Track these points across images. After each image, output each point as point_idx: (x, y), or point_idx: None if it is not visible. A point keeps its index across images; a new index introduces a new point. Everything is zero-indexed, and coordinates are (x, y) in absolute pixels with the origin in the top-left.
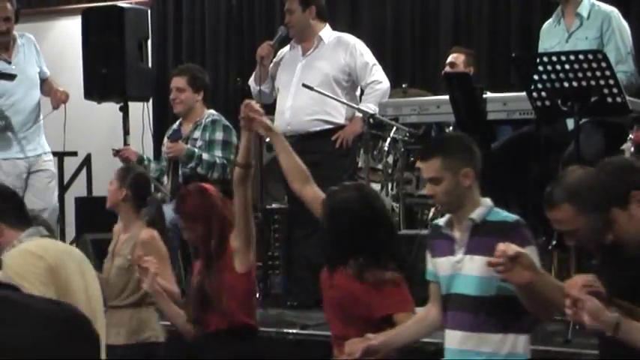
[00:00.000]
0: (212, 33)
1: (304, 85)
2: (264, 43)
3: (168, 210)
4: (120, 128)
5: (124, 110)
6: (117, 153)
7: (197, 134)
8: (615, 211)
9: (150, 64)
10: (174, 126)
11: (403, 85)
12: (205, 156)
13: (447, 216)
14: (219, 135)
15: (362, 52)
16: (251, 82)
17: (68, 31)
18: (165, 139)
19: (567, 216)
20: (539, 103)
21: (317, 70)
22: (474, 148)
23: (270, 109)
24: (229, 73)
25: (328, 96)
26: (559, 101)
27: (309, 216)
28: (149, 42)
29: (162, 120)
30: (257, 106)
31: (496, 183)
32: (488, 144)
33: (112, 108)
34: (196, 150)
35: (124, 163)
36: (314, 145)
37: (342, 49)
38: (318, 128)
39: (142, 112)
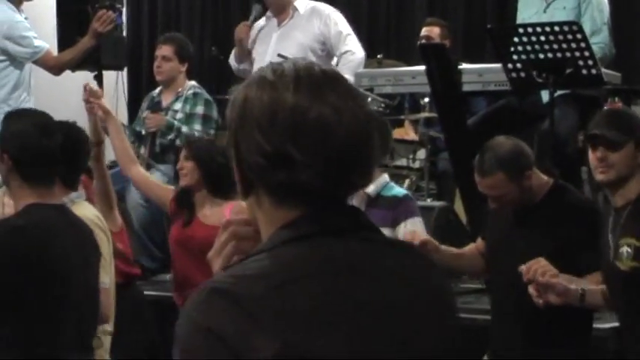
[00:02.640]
0: (187, 1)
1: (279, 56)
2: (241, 24)
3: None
4: None
5: (99, 79)
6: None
7: (178, 106)
8: (528, 174)
9: (124, 33)
10: (155, 95)
11: (378, 56)
12: (184, 129)
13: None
14: (199, 109)
15: (337, 21)
16: (231, 60)
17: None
18: (143, 107)
19: (500, 183)
20: (514, 75)
21: (292, 39)
22: None
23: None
24: (204, 42)
25: None
26: (534, 73)
27: None
28: (124, 11)
29: (137, 89)
30: (96, 89)
31: (471, 156)
32: (463, 115)
33: (86, 77)
34: (176, 122)
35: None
36: None
37: (316, 19)
38: None
39: (115, 81)
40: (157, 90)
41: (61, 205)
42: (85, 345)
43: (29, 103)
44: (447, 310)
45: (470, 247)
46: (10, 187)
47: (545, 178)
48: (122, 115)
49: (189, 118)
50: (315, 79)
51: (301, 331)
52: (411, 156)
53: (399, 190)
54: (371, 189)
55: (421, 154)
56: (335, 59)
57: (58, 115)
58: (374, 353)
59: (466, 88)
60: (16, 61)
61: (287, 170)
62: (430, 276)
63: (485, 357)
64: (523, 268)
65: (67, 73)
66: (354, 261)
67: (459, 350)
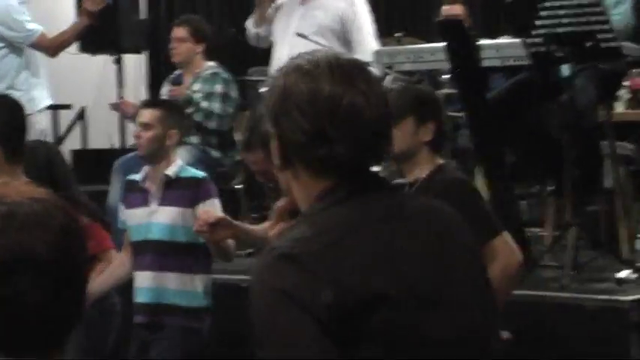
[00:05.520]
0: None
1: (299, 34)
2: None
3: None
4: (113, 80)
5: (118, 62)
6: (115, 107)
7: (197, 86)
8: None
9: (144, 16)
10: (175, 75)
11: (397, 34)
12: (204, 104)
13: (143, 170)
14: (218, 87)
15: (360, 11)
16: (248, 23)
17: None
18: (164, 86)
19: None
20: (533, 49)
21: (313, 19)
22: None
23: (266, 54)
24: (223, 23)
25: (323, 46)
26: (554, 47)
27: None
28: None
29: (157, 72)
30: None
31: (492, 132)
32: (483, 91)
33: (105, 60)
34: (195, 96)
35: (123, 116)
36: None
37: (341, 1)
38: None
39: (135, 64)
40: (178, 72)
41: None
42: None
43: (40, 87)
44: (471, 240)
45: (265, 226)
46: None
47: None
48: (142, 99)
49: (208, 97)
50: (347, 69)
51: (356, 276)
52: None
53: (197, 172)
54: (171, 170)
55: None
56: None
57: (77, 98)
58: (424, 284)
59: (485, 63)
60: (14, 46)
61: (325, 146)
62: (452, 214)
63: None
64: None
65: (87, 57)
66: (389, 211)
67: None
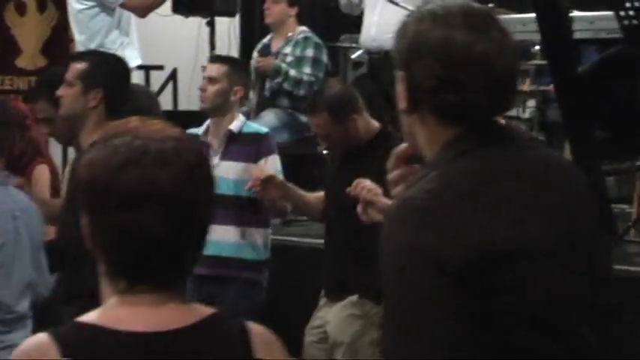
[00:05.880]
0: None
1: (389, 1)
2: None
3: None
4: (206, 42)
5: (211, 25)
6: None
7: (288, 50)
8: (353, 117)
9: None
10: (265, 40)
11: (489, 5)
12: (292, 72)
13: (206, 124)
14: (309, 52)
15: None
16: None
17: None
18: (255, 53)
19: (325, 122)
20: (626, 22)
21: None
22: None
23: (356, 23)
24: None
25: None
26: None
27: None
28: None
29: (249, 35)
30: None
31: (582, 106)
32: (574, 64)
33: (199, 23)
34: (283, 66)
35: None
36: None
37: None
38: None
39: (228, 27)
40: (268, 36)
41: None
42: None
43: (130, 47)
44: (591, 196)
45: (316, 195)
46: None
47: (375, 124)
48: None
49: (298, 61)
50: (481, 18)
51: (488, 229)
52: (520, 106)
53: (260, 128)
54: (234, 125)
55: (531, 103)
56: None
57: (169, 60)
58: (549, 240)
59: (577, 36)
60: (105, 6)
61: (455, 93)
62: (573, 169)
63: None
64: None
65: (180, 19)
66: (516, 165)
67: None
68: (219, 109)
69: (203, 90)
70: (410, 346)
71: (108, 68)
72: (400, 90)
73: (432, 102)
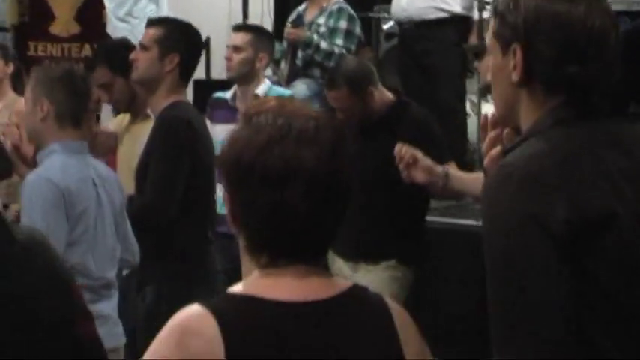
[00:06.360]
0: None
1: None
2: None
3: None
4: (239, 11)
5: None
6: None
7: (321, 20)
8: (370, 90)
9: None
10: (300, 9)
11: None
12: (324, 45)
13: (233, 89)
14: (343, 24)
15: None
16: None
17: None
18: (288, 23)
19: (344, 95)
20: None
21: None
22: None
23: None
24: None
25: None
26: None
27: None
28: None
29: (283, 5)
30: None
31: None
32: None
33: None
34: (315, 38)
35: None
36: (429, 33)
37: None
38: (433, 16)
39: None
40: (303, 5)
41: None
42: None
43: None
44: None
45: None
46: None
47: (389, 95)
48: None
49: (332, 32)
50: None
51: (590, 193)
52: None
53: (285, 91)
54: (260, 89)
55: None
56: None
57: (202, 28)
58: None
59: (614, 7)
60: None
61: (575, 65)
62: None
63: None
64: (396, 150)
65: None
66: (614, 137)
67: None
68: (245, 76)
69: (228, 59)
70: (521, 307)
71: (184, 34)
72: (517, 60)
73: (549, 73)
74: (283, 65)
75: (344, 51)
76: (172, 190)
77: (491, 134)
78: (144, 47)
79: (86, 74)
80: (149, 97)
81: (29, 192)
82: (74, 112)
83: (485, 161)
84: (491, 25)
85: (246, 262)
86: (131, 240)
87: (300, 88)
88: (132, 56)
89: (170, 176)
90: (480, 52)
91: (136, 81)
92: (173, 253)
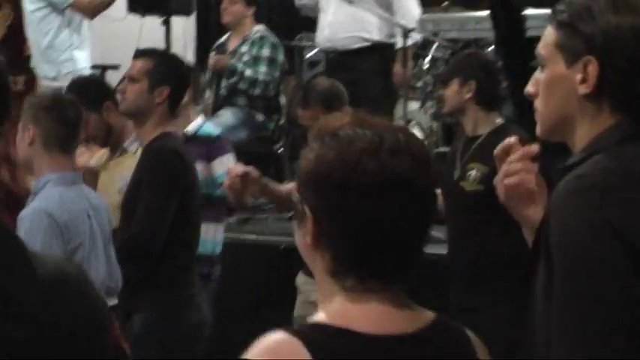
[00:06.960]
0: None
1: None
2: None
3: None
4: (161, 40)
5: (167, 24)
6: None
7: (244, 49)
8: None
9: None
10: (222, 39)
11: (444, 4)
12: (248, 72)
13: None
14: (266, 51)
15: None
16: None
17: None
18: (212, 52)
19: (317, 114)
20: None
21: None
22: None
23: (313, 22)
24: None
25: (366, 11)
26: None
27: None
28: None
29: (205, 34)
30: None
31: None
32: (527, 62)
33: (153, 22)
34: (239, 66)
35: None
36: (353, 61)
37: None
38: (356, 45)
39: (183, 26)
40: (226, 35)
41: None
42: None
43: (79, 49)
44: None
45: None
46: None
47: None
48: (190, 61)
49: (255, 60)
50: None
51: None
52: None
53: (213, 130)
54: (189, 128)
55: None
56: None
57: (125, 59)
58: None
59: (531, 33)
60: (55, 7)
61: None
62: None
63: None
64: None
65: (135, 19)
66: None
67: None
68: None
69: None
70: (592, 319)
71: (173, 66)
72: (589, 74)
73: (625, 88)
74: (208, 94)
75: (268, 78)
76: (163, 220)
77: (514, 156)
78: (132, 79)
79: (76, 101)
80: (137, 129)
81: (28, 225)
82: (61, 139)
83: (499, 187)
84: (551, 36)
85: (325, 286)
86: (114, 267)
87: (226, 116)
88: (121, 88)
89: (160, 206)
90: (445, 80)
91: (124, 113)
92: (161, 280)
